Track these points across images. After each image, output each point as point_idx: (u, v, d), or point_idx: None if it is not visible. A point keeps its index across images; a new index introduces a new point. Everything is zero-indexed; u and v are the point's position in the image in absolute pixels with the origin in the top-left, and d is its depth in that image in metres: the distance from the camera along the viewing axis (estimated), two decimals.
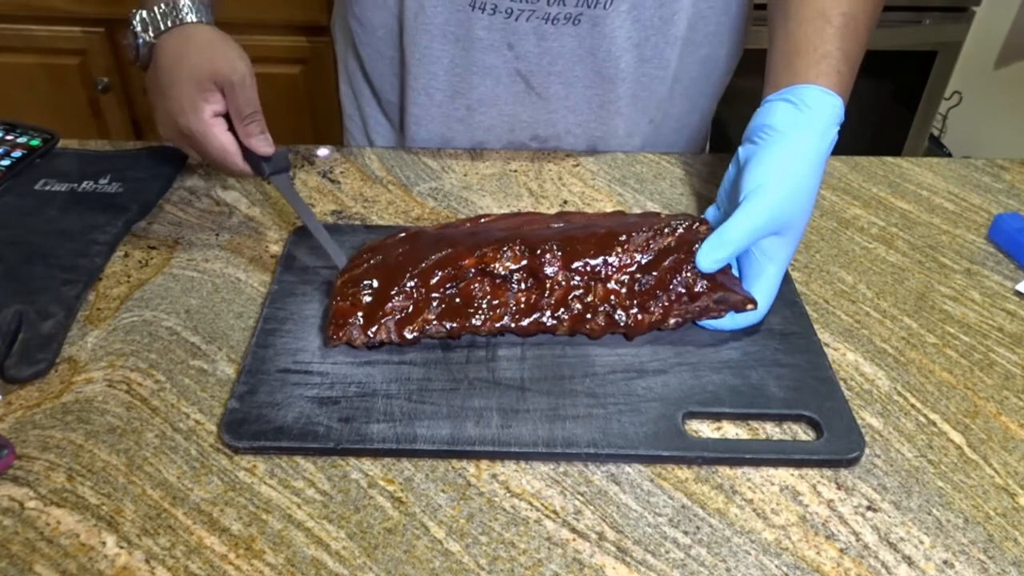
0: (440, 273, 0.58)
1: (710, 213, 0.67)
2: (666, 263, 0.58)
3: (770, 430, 0.54)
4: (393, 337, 0.56)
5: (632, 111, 0.84)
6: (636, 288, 0.58)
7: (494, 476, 0.50)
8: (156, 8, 0.65)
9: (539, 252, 0.58)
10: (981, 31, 1.85)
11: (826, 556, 0.47)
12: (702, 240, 0.58)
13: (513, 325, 0.57)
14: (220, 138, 0.62)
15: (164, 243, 0.69)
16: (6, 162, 0.74)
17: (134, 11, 0.66)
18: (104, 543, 0.46)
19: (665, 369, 0.57)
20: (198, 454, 0.51)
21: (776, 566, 0.46)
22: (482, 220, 0.64)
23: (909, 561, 0.47)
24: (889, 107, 1.91)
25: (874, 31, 0.68)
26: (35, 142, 0.77)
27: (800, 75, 0.62)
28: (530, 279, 0.58)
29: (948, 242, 0.73)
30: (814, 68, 0.62)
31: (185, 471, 0.50)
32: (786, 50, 0.65)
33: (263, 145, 0.63)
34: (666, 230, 0.59)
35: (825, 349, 0.59)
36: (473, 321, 0.57)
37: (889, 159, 0.85)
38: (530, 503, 0.49)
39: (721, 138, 0.74)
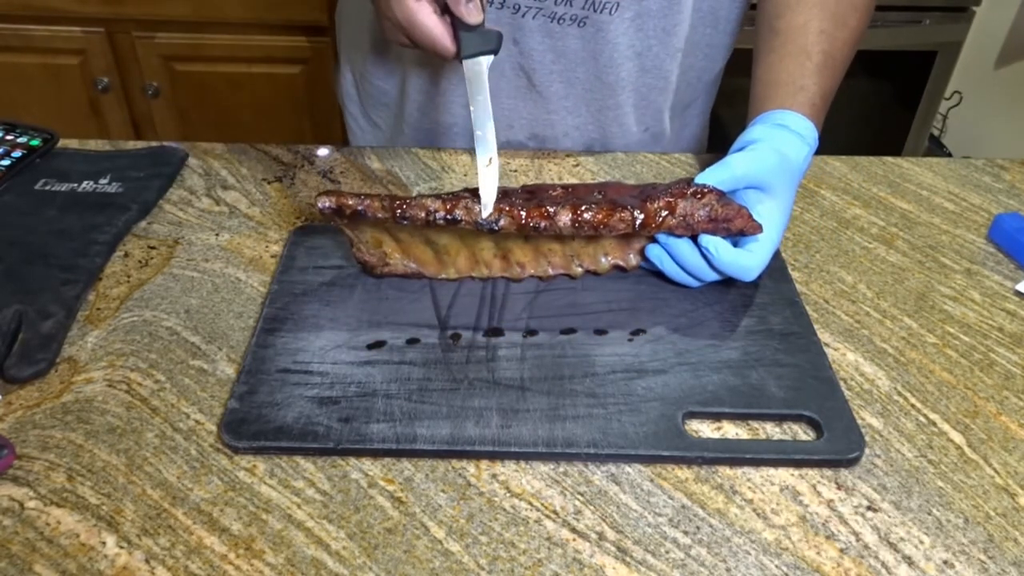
0: (436, 200, 0.58)
1: None
2: (665, 183, 0.60)
3: (770, 430, 0.54)
4: (386, 205, 0.55)
5: (630, 121, 0.85)
6: (639, 193, 0.59)
7: (494, 476, 0.50)
8: None
9: (537, 184, 0.59)
10: (981, 31, 1.85)
11: (826, 556, 0.47)
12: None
13: (512, 210, 0.56)
14: (425, 20, 0.59)
15: (164, 243, 0.69)
16: (6, 162, 0.74)
17: None
18: (104, 543, 0.46)
19: (665, 369, 0.57)
20: (198, 454, 0.51)
21: (776, 566, 0.46)
22: None
23: (909, 561, 0.47)
24: (889, 107, 1.91)
25: (850, 62, 0.73)
26: (35, 142, 0.77)
27: (778, 103, 0.67)
28: (529, 197, 0.58)
29: (948, 242, 0.73)
30: (791, 98, 0.67)
31: (185, 471, 0.50)
32: (767, 82, 0.70)
33: (470, 14, 0.58)
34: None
35: (825, 349, 0.59)
36: (471, 205, 0.56)
37: (889, 159, 0.85)
38: (530, 503, 0.49)
39: (721, 138, 0.74)
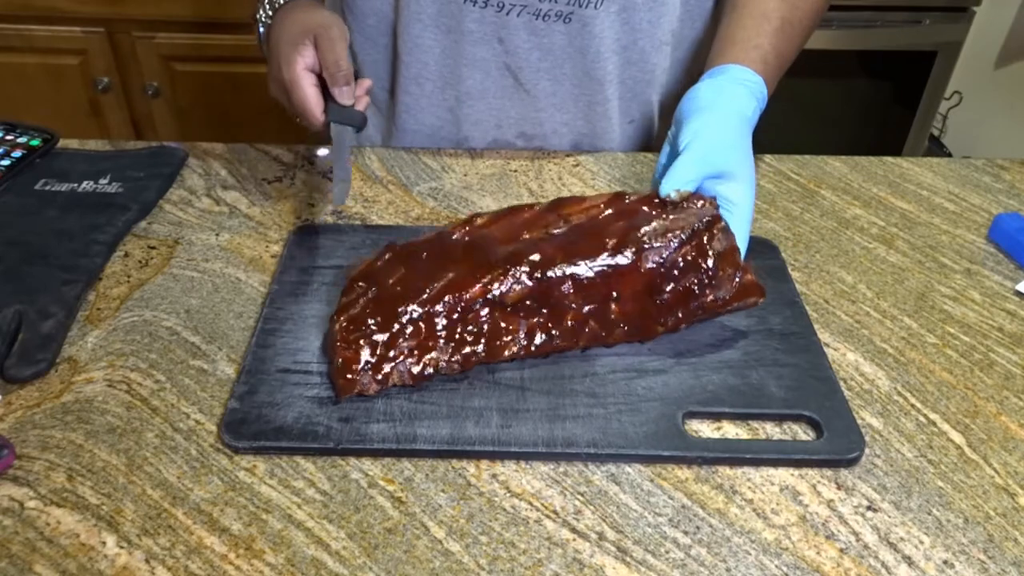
0: (444, 305, 0.55)
1: None
2: (683, 281, 0.57)
3: (770, 430, 0.54)
4: (406, 380, 0.54)
5: (617, 113, 0.85)
6: (653, 304, 0.57)
7: (494, 476, 0.50)
8: None
9: (547, 275, 0.55)
10: (981, 31, 1.85)
11: (826, 556, 0.47)
12: (715, 234, 0.57)
13: (527, 352, 0.55)
14: (305, 89, 0.66)
15: (164, 243, 0.69)
16: (6, 162, 0.74)
17: (259, 5, 0.75)
18: (104, 543, 0.46)
19: (665, 369, 0.57)
20: (198, 454, 0.51)
21: (776, 566, 0.46)
22: (477, 221, 0.60)
23: (909, 561, 0.47)
24: (889, 107, 1.90)
25: (809, 37, 0.75)
26: (35, 142, 0.77)
27: (731, 58, 0.68)
28: (543, 306, 0.56)
29: (948, 242, 0.73)
30: (743, 54, 0.68)
31: (185, 471, 0.50)
32: (725, 40, 0.70)
33: (343, 95, 0.66)
34: (681, 234, 0.57)
35: (825, 349, 0.59)
36: (485, 351, 0.55)
37: (889, 159, 0.85)
38: (530, 503, 0.49)
39: None
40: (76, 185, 0.73)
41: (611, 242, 0.57)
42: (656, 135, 0.90)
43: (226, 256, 0.67)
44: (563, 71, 0.81)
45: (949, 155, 2.06)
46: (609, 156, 0.83)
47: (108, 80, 1.62)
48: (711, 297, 0.57)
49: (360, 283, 0.57)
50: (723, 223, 0.58)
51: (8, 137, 0.77)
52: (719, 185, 0.60)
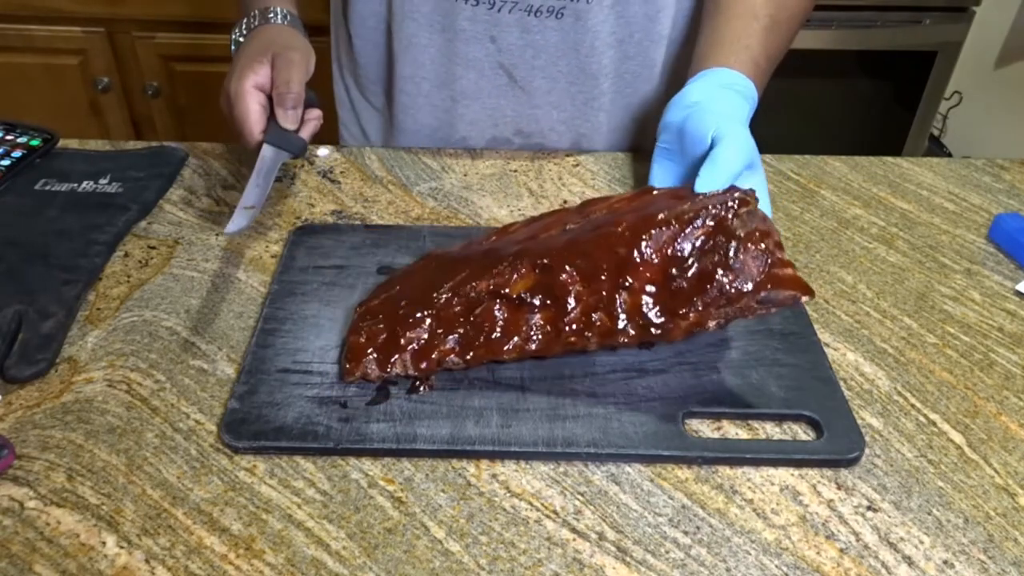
0: (455, 300, 0.55)
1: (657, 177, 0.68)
2: (701, 264, 0.52)
3: (770, 430, 0.54)
4: (409, 370, 0.54)
5: (615, 108, 0.85)
6: (667, 292, 0.52)
7: (494, 476, 0.50)
8: (251, 15, 0.75)
9: (553, 268, 0.53)
10: (981, 31, 1.85)
11: (826, 556, 0.47)
12: (743, 214, 0.52)
13: (536, 348, 0.54)
14: (249, 104, 0.65)
15: (164, 243, 0.69)
16: (6, 162, 0.74)
17: (236, 23, 0.76)
18: (104, 543, 0.46)
19: (665, 369, 0.57)
20: (198, 454, 0.51)
21: (776, 566, 0.46)
22: (511, 229, 0.61)
23: (909, 561, 0.47)
24: (889, 107, 1.91)
25: (796, 35, 0.74)
26: (35, 142, 0.77)
27: (721, 60, 0.67)
28: (548, 298, 0.54)
29: (948, 242, 0.73)
30: (734, 56, 0.67)
31: (185, 471, 0.50)
32: (712, 41, 0.70)
33: (287, 119, 0.66)
34: (703, 217, 0.52)
35: (825, 349, 0.59)
36: (492, 346, 0.54)
37: (889, 159, 0.85)
38: (530, 503, 0.49)
39: None
40: (76, 185, 0.73)
41: (622, 228, 0.53)
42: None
43: (226, 256, 0.67)
44: (557, 68, 0.80)
45: (949, 155, 2.06)
46: (609, 156, 0.83)
47: (108, 80, 1.62)
48: (735, 286, 0.51)
49: (391, 282, 0.60)
50: (753, 205, 0.53)
51: (8, 137, 0.77)
52: (746, 179, 0.60)
